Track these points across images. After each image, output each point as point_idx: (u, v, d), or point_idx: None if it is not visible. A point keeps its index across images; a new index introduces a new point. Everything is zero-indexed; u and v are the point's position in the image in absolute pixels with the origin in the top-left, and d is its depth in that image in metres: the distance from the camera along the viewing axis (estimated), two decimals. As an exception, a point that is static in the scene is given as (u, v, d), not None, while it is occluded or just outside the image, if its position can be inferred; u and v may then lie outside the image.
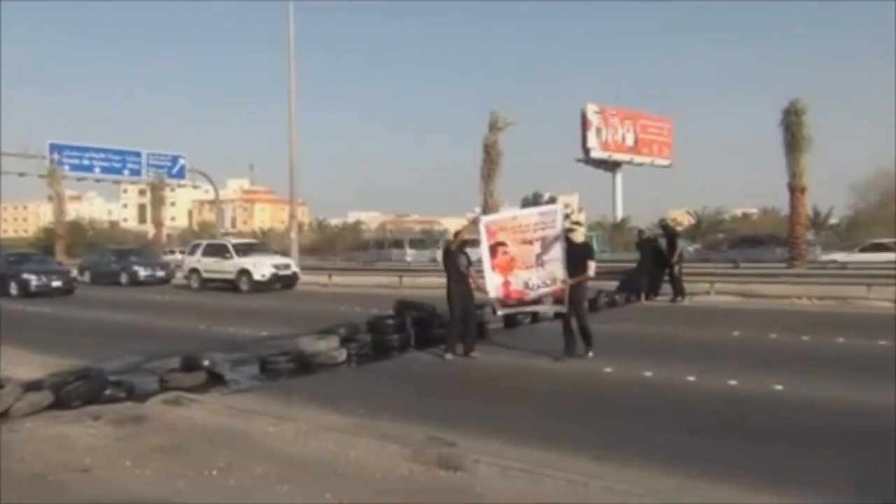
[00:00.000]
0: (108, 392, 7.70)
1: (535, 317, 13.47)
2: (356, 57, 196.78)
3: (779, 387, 7.83)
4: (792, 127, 19.60)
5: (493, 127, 24.70)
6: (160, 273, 28.49)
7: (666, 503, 4.51)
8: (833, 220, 51.07)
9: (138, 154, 47.50)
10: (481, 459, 5.31)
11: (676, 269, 17.39)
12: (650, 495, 4.58)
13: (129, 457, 5.61)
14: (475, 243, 11.11)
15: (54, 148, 43.73)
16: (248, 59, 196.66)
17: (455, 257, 10.36)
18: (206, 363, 8.79)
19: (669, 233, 18.47)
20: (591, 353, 9.69)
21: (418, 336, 11.32)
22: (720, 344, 11.10)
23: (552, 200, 62.38)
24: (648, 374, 8.78)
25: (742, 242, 35.21)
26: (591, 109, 58.02)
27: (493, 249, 10.50)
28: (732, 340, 11.45)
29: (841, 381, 8.13)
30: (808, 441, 6.01)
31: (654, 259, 17.85)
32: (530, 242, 10.38)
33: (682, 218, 62.43)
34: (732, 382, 8.15)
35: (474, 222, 11.11)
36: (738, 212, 62.63)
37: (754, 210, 61.89)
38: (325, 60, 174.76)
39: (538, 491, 4.78)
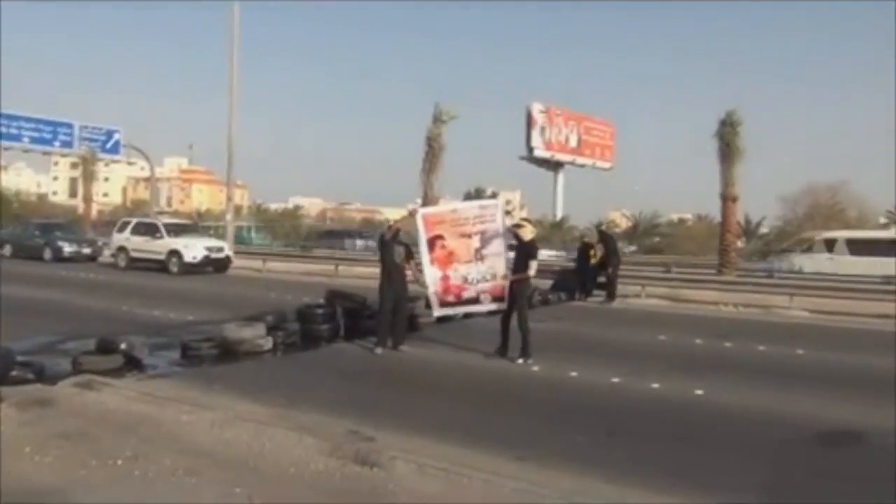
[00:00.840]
0: (14, 373, 7.33)
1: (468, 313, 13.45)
2: (304, 41, 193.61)
3: (699, 392, 7.97)
4: (726, 137, 20.07)
5: (437, 119, 24.57)
6: (86, 250, 27.45)
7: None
8: (763, 230, 52.62)
9: (70, 126, 45.70)
10: (399, 456, 5.23)
11: (611, 271, 17.63)
12: (564, 497, 4.57)
13: (31, 443, 5.34)
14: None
15: (-21, 114, 41.76)
16: (193, 39, 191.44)
17: (390, 248, 10.21)
18: (123, 346, 8.46)
19: (607, 238, 18.82)
20: (529, 361, 9.32)
21: (348, 327, 11.17)
22: (647, 347, 11.26)
23: (494, 196, 62.75)
24: (574, 374, 8.84)
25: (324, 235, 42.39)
26: (536, 108, 58.45)
27: (431, 243, 10.36)
28: (659, 344, 11.63)
29: (759, 388, 8.31)
30: (720, 445, 6.13)
31: (588, 260, 18.08)
32: (469, 236, 10.30)
33: (619, 220, 63.63)
34: (655, 386, 8.26)
35: (412, 214, 10.97)
36: (675, 217, 63.97)
37: (689, 216, 63.27)
38: (271, 43, 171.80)
39: (453, 490, 4.73)
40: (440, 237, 10.35)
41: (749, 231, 50.64)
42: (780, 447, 6.09)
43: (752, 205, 60.66)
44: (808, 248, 26.40)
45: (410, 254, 10.43)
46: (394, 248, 10.21)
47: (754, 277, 20.62)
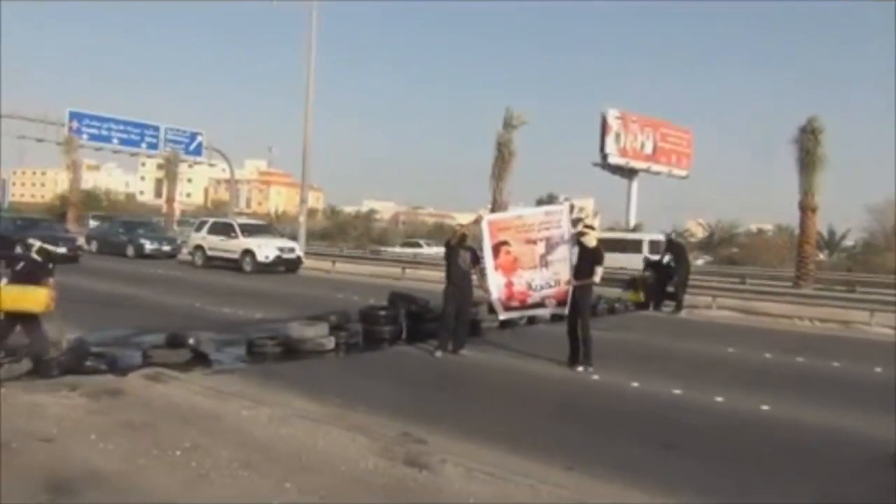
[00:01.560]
0: (88, 363, 7.69)
1: (532, 318, 13.37)
2: (383, 49, 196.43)
3: (765, 407, 7.71)
4: (806, 145, 19.33)
5: (508, 124, 24.56)
6: (166, 247, 28.54)
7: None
8: (848, 242, 50.39)
9: (157, 128, 47.72)
10: (448, 459, 5.25)
11: (680, 281, 17.25)
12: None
13: (96, 430, 5.59)
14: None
15: (74, 116, 43.97)
16: (275, 45, 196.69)
17: (455, 253, 10.23)
18: (191, 341, 8.76)
19: (675, 246, 18.38)
20: (589, 369, 9.28)
21: (410, 329, 11.27)
22: (713, 359, 10.96)
23: (568, 203, 62.12)
24: (635, 384, 8.67)
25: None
26: (611, 114, 57.55)
27: (496, 249, 10.31)
28: (726, 356, 11.30)
29: (829, 405, 7.99)
30: (779, 464, 5.91)
31: (659, 272, 17.73)
32: (534, 242, 10.24)
33: (694, 229, 62.12)
34: (719, 399, 8.03)
35: (477, 221, 10.97)
36: (753, 227, 62.01)
37: (769, 226, 61.21)
38: (349, 47, 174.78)
39: (499, 495, 4.71)
40: (505, 243, 10.30)
41: (832, 243, 48.67)
42: (844, 468, 5.85)
43: (837, 215, 58.25)
44: None
45: (476, 259, 10.42)
46: (460, 252, 10.23)
47: (834, 291, 19.78)
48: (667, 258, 17.90)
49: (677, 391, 8.35)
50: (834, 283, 23.11)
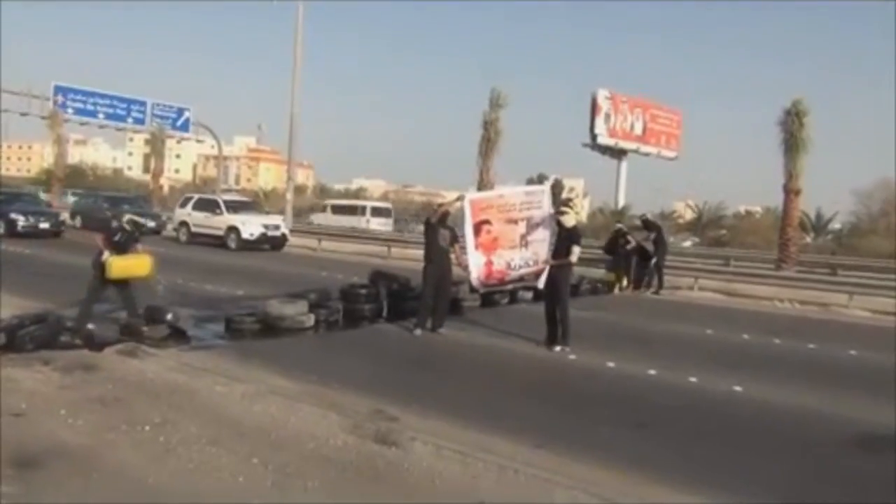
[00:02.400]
0: (63, 338, 7.66)
1: (514, 297, 13.43)
2: (373, 27, 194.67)
3: (738, 388, 7.78)
4: (791, 127, 19.36)
5: (494, 104, 24.46)
6: (151, 224, 28.26)
7: (589, 494, 4.47)
8: (836, 225, 50.56)
9: (143, 103, 47.18)
10: (418, 437, 5.30)
11: (657, 261, 17.23)
12: (573, 485, 4.55)
13: (67, 405, 5.58)
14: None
15: (59, 90, 43.35)
16: (264, 20, 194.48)
17: (435, 231, 10.21)
18: (169, 317, 8.74)
19: (652, 226, 18.27)
20: (567, 349, 9.29)
21: (391, 307, 11.28)
22: (691, 340, 11.04)
23: (557, 183, 62.08)
24: (611, 364, 8.73)
25: None
26: (601, 95, 57.38)
27: (478, 228, 10.26)
28: (704, 338, 11.39)
29: (802, 387, 8.07)
30: (748, 443, 5.97)
31: (639, 253, 17.70)
32: (515, 222, 10.24)
33: (682, 210, 62.30)
34: (693, 379, 8.10)
35: (459, 199, 10.93)
36: (742, 208, 62.22)
37: (758, 208, 61.40)
38: (340, 28, 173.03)
39: (467, 473, 4.75)
40: (486, 222, 10.28)
41: (819, 226, 48.88)
42: (811, 448, 5.93)
43: (826, 199, 58.44)
44: None
45: (455, 238, 10.41)
46: (440, 231, 10.21)
47: (815, 274, 19.93)
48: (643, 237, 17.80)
49: (652, 371, 8.40)
50: (816, 266, 23.27)
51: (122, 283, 9.08)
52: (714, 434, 6.25)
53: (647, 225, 18.53)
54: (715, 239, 48.85)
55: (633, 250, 17.32)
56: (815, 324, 14.02)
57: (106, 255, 8.83)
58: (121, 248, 8.98)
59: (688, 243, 42.88)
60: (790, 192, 20.12)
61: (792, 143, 19.51)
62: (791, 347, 10.84)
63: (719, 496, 4.70)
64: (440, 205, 11.02)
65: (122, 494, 4.04)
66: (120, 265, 8.83)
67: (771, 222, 45.90)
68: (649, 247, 17.24)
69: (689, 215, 61.64)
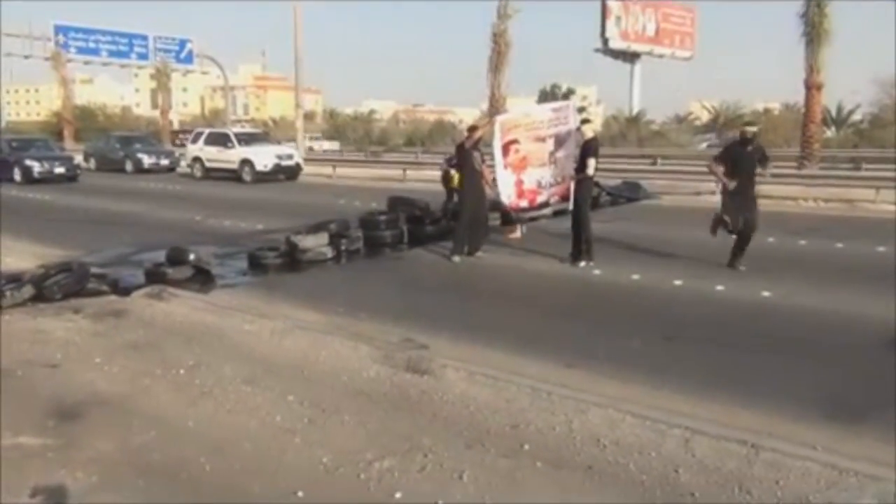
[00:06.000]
0: (90, 286, 7.70)
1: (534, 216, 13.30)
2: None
3: (766, 293, 7.72)
4: (812, 18, 18.59)
5: (502, 15, 23.71)
6: (165, 161, 28.32)
7: (625, 411, 4.48)
8: (857, 117, 49.26)
9: (145, 37, 46.48)
10: (449, 364, 5.31)
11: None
12: (607, 402, 4.56)
13: (101, 353, 5.66)
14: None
15: (59, 30, 42.79)
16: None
17: (470, 155, 9.97)
18: (191, 257, 8.75)
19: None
20: (591, 264, 9.28)
21: (411, 233, 11.24)
22: (716, 246, 10.85)
23: (568, 95, 60.80)
24: (636, 276, 8.68)
25: None
26: (611, -4, 55.58)
27: (506, 148, 10.12)
28: (728, 243, 11.15)
29: (830, 289, 7.99)
30: (779, 350, 5.95)
31: None
32: (543, 140, 10.11)
33: (699, 112, 61.05)
34: (720, 288, 8.05)
35: (491, 123, 10.71)
36: (760, 106, 60.80)
37: (776, 105, 59.98)
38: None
39: (500, 397, 4.77)
40: (515, 142, 10.12)
41: (840, 120, 47.74)
42: (842, 352, 5.88)
43: (846, 90, 56.84)
44: None
45: (483, 159, 10.25)
46: (473, 155, 10.02)
47: (839, 170, 19.54)
48: None
49: (678, 282, 8.36)
50: (840, 162, 22.81)
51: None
52: (742, 342, 6.22)
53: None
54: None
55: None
56: (841, 221, 13.81)
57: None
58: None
59: (703, 145, 42.07)
60: (812, 87, 19.51)
61: (813, 35, 18.77)
62: (818, 248, 10.72)
63: (748, 405, 4.69)
64: (472, 128, 10.74)
65: (162, 440, 4.09)
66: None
67: (791, 119, 44.89)
68: None
69: (705, 116, 60.44)
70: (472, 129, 10.58)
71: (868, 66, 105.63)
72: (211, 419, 4.42)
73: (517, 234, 11.33)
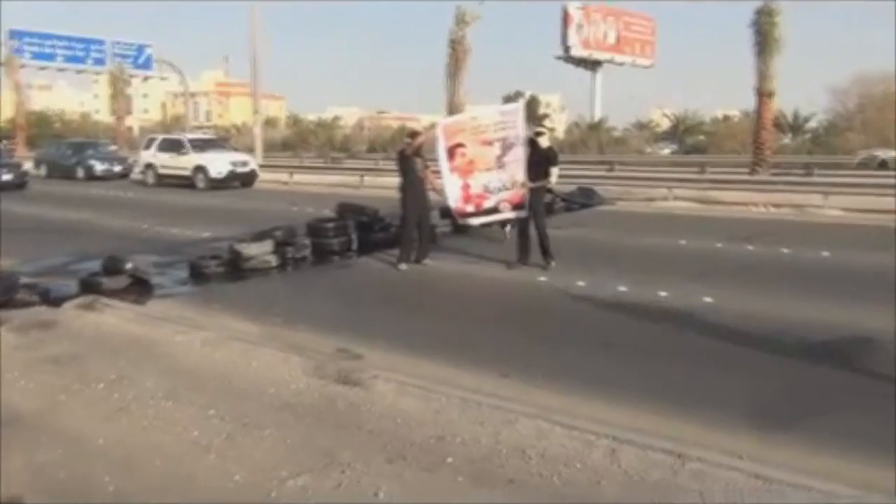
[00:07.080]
0: (19, 296, 7.44)
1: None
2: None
3: (708, 299, 7.73)
4: (762, 28, 18.90)
5: (460, 21, 23.70)
6: (117, 168, 27.74)
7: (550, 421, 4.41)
8: (812, 125, 50.27)
9: (102, 42, 45.86)
10: (380, 375, 5.19)
11: None
12: (537, 416, 4.48)
13: (20, 367, 5.43)
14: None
15: (14, 34, 42.05)
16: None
17: (412, 162, 9.87)
18: (129, 266, 8.51)
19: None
20: (553, 264, 9.39)
21: (360, 240, 11.10)
22: (663, 252, 10.98)
23: (532, 100, 61.15)
24: (581, 283, 8.65)
25: None
26: (572, 5, 56.16)
27: (451, 152, 9.99)
28: (677, 249, 11.33)
29: (772, 294, 8.04)
30: (714, 357, 5.94)
31: None
32: (490, 143, 9.96)
33: (659, 119, 61.84)
34: (663, 294, 8.03)
35: (432, 127, 10.59)
36: (720, 114, 61.73)
37: (736, 112, 60.99)
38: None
39: (430, 408, 4.67)
40: (461, 145, 9.99)
41: (796, 126, 48.67)
42: (775, 360, 5.86)
43: (803, 99, 58.01)
44: None
45: (425, 164, 10.15)
46: (415, 161, 9.92)
47: (791, 176, 19.87)
48: None
49: (622, 288, 8.34)
50: (792, 168, 23.21)
51: None
52: (678, 349, 6.19)
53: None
54: (693, 146, 48.59)
55: None
56: (789, 226, 13.99)
57: None
58: None
59: (666, 151, 42.67)
60: (763, 94, 19.83)
61: (764, 44, 19.08)
62: (764, 253, 10.81)
63: (679, 415, 4.66)
64: (412, 134, 10.58)
65: (70, 458, 3.91)
66: None
67: (748, 126, 45.54)
68: None
69: (665, 124, 61.23)
70: (413, 134, 10.43)
71: (826, 75, 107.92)
72: (124, 436, 4.24)
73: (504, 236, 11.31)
